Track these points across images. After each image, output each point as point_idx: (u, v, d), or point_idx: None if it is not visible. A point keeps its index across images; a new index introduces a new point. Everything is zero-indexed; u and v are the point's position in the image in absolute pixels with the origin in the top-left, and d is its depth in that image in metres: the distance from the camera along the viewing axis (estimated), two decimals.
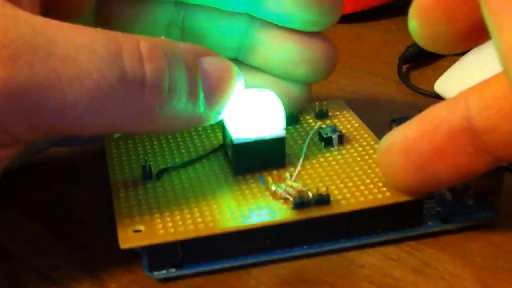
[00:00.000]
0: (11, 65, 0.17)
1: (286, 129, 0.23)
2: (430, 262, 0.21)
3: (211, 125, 0.26)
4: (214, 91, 0.21)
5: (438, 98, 0.31)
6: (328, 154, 0.24)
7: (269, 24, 0.24)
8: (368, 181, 0.22)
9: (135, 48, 0.19)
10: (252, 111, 0.22)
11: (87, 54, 0.18)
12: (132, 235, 0.20)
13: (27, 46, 0.18)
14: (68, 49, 0.18)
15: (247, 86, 0.22)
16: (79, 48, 0.18)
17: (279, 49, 0.25)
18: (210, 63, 0.21)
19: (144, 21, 0.25)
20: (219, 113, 0.21)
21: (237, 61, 0.25)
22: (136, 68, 0.19)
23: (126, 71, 0.19)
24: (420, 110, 0.26)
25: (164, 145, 0.25)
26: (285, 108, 0.23)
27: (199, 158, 0.24)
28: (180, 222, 0.20)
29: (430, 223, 0.22)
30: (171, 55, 0.20)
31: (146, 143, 0.25)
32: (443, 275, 0.20)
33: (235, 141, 0.22)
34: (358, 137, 0.25)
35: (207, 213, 0.21)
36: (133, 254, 0.20)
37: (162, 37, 0.20)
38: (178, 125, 0.21)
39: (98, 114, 0.19)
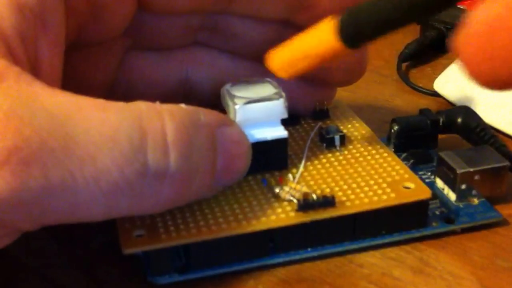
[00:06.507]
0: (23, 171, 0.15)
1: (286, 129, 0.22)
2: (430, 262, 0.21)
3: None
4: (228, 168, 0.19)
5: (437, 96, 0.31)
6: (330, 155, 0.23)
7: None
8: (372, 182, 0.22)
9: (160, 132, 0.17)
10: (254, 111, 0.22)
11: (107, 150, 0.16)
12: (134, 240, 0.19)
13: (43, 145, 0.16)
14: (88, 146, 0.16)
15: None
16: (100, 143, 0.16)
17: None
18: (226, 136, 0.19)
19: (177, 29, 0.24)
20: (224, 186, 0.20)
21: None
22: (160, 160, 0.17)
23: (149, 165, 0.17)
24: (419, 108, 0.26)
25: None
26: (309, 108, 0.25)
27: None
28: (182, 226, 0.20)
29: (434, 224, 0.22)
30: (194, 135, 0.18)
31: None
32: (442, 275, 0.20)
33: None
34: (359, 137, 0.24)
35: (210, 216, 0.20)
36: (132, 255, 0.20)
37: (183, 105, 0.18)
38: (184, 202, 0.19)
39: (109, 210, 0.17)
